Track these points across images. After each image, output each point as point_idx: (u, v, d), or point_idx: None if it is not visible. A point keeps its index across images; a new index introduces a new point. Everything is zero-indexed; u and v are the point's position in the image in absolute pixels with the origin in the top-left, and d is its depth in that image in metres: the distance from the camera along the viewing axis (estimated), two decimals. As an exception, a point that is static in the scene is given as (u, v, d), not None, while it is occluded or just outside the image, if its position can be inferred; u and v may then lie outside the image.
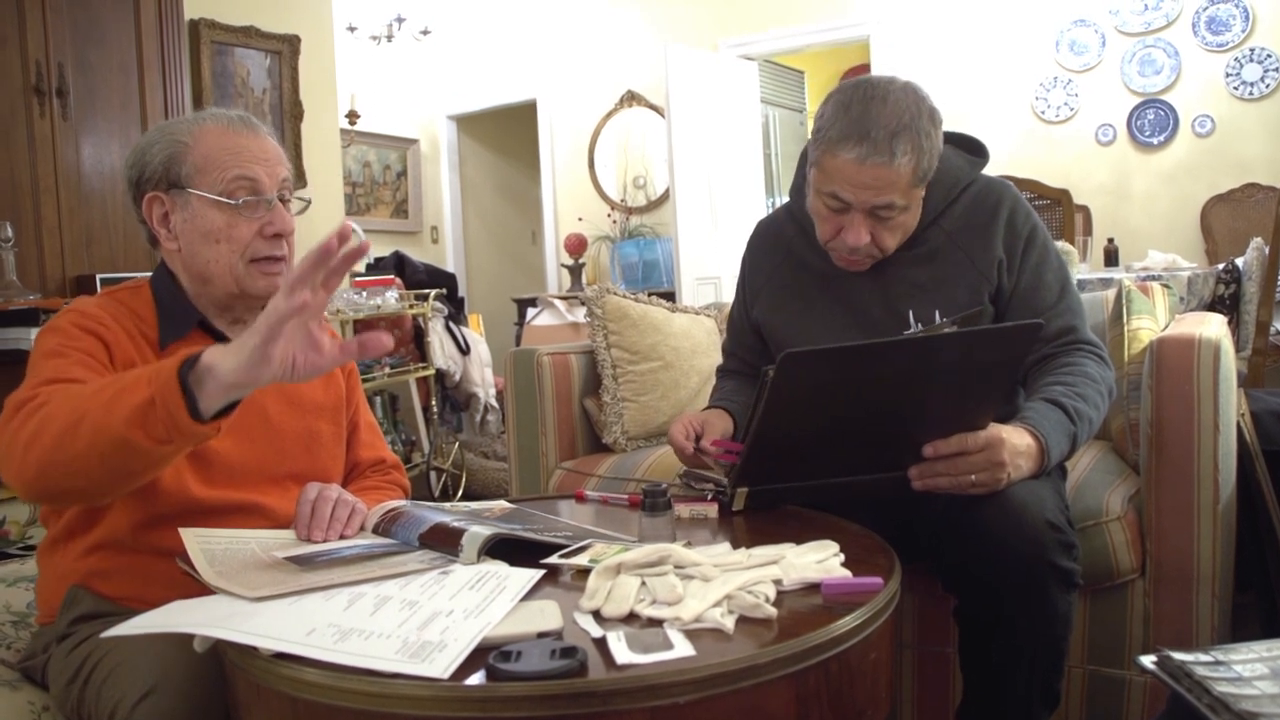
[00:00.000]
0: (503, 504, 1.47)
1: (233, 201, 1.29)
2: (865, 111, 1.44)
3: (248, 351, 1.00)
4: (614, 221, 6.84)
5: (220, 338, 1.36)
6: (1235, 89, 5.05)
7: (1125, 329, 1.93)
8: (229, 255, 1.29)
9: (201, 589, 1.08)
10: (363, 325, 4.02)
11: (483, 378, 4.64)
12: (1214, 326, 1.70)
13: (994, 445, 1.29)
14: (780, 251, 1.74)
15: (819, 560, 1.10)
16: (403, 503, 1.35)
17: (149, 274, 1.39)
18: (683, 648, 0.88)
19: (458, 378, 4.51)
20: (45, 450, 1.06)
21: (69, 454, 1.05)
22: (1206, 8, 5.08)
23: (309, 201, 1.40)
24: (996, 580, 1.31)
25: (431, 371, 4.20)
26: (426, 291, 4.26)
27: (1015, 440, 1.32)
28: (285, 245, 1.34)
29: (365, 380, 3.58)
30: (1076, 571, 1.35)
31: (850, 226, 1.50)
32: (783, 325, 1.71)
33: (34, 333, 2.50)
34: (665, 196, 6.33)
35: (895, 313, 1.58)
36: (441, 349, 4.36)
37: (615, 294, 2.46)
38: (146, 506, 1.24)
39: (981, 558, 1.29)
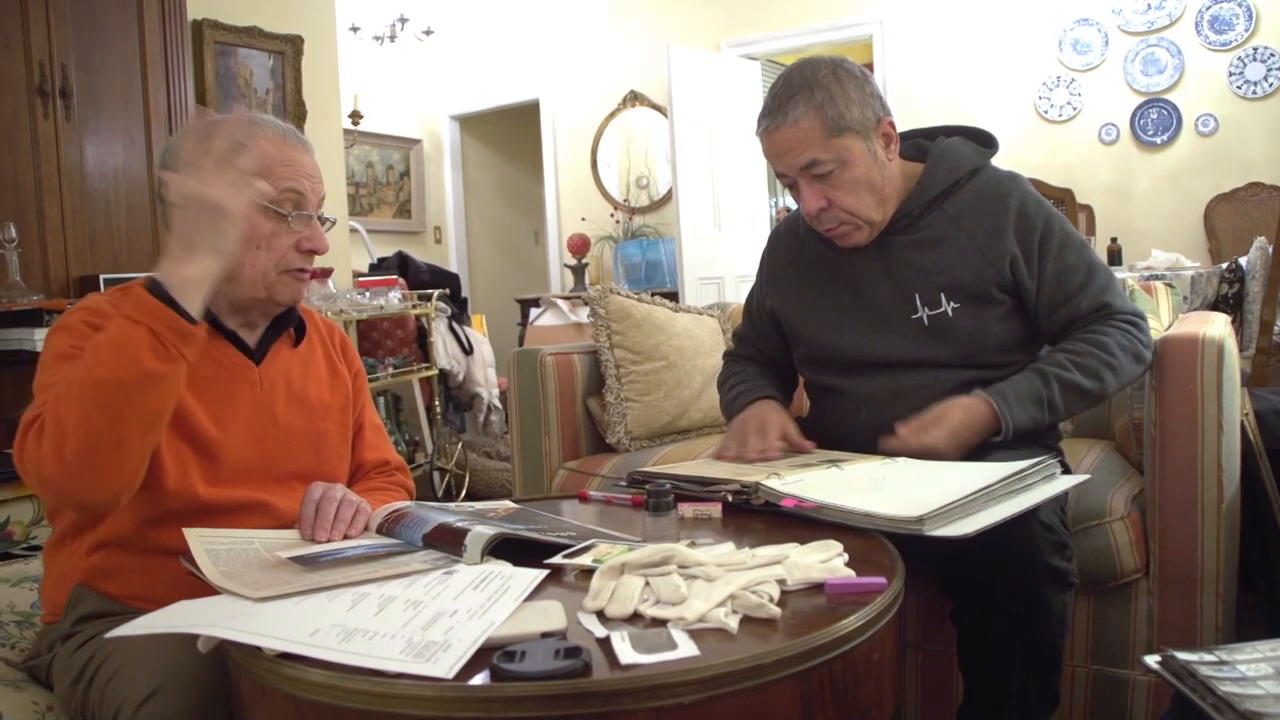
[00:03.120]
0: (507, 504, 1.47)
1: (284, 212, 1.31)
2: (771, 91, 1.59)
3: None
4: (617, 221, 6.84)
5: (232, 337, 1.36)
6: (1238, 88, 5.04)
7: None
8: (265, 262, 1.31)
9: (206, 588, 1.08)
10: (366, 325, 4.02)
11: (486, 378, 4.64)
12: (1218, 326, 1.70)
13: (947, 409, 1.48)
14: (797, 244, 1.79)
15: (823, 560, 1.09)
16: (407, 503, 1.36)
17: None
18: (687, 648, 0.88)
19: (461, 378, 4.51)
20: (82, 437, 1.08)
21: (107, 429, 1.09)
22: (1209, 7, 5.07)
23: (334, 220, 1.42)
24: (990, 581, 1.32)
25: (435, 372, 4.20)
26: (430, 292, 4.26)
27: (965, 401, 1.50)
28: (312, 260, 1.37)
29: (369, 381, 3.58)
30: (1071, 571, 1.35)
31: (802, 196, 1.59)
32: (796, 309, 1.76)
33: (38, 333, 2.50)
34: (668, 196, 6.33)
35: (901, 296, 1.63)
36: (445, 349, 4.36)
37: (618, 294, 2.46)
38: (152, 504, 1.24)
39: (974, 558, 1.30)
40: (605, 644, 0.90)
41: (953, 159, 1.65)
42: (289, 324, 1.44)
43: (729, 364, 1.93)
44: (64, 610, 1.27)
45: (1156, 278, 3.46)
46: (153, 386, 1.11)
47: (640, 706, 0.82)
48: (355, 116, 6.25)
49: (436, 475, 4.18)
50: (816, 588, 1.04)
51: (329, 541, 1.24)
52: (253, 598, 1.02)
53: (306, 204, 1.34)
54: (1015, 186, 1.63)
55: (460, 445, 4.41)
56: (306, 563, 1.14)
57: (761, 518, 1.35)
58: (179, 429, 1.27)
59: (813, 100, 1.53)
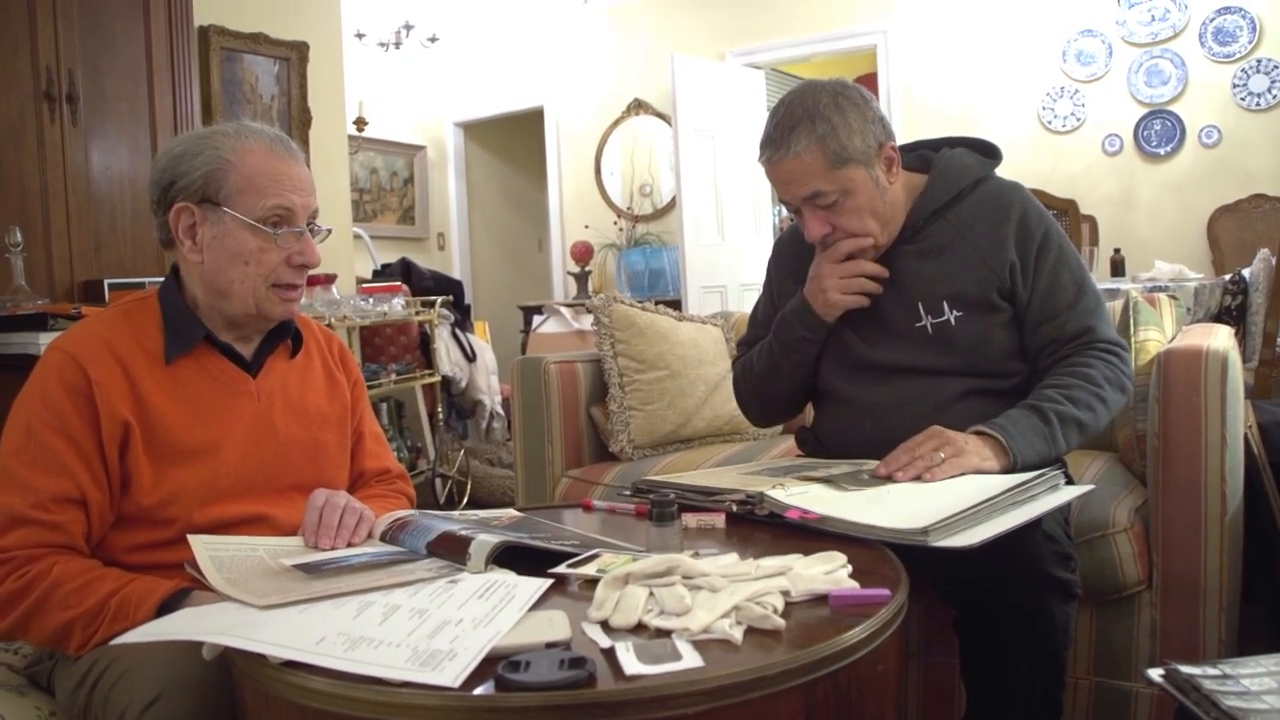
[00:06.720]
0: (511, 512, 1.47)
1: (270, 230, 1.29)
2: (773, 119, 1.58)
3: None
4: (620, 229, 6.84)
5: (227, 350, 1.36)
6: (1242, 100, 5.05)
7: (1132, 340, 1.93)
8: (254, 278, 1.30)
9: (210, 596, 1.08)
10: (369, 331, 4.03)
11: (489, 385, 4.65)
12: (1221, 338, 1.70)
13: (931, 432, 1.42)
14: (803, 251, 1.78)
15: (827, 571, 1.09)
16: (410, 511, 1.36)
17: (160, 280, 1.39)
18: (691, 659, 0.88)
19: (464, 385, 4.52)
20: (21, 629, 1.20)
21: (37, 638, 1.21)
22: (1213, 19, 5.08)
23: (329, 230, 1.41)
24: (994, 592, 1.32)
25: (437, 378, 4.20)
26: (433, 298, 4.27)
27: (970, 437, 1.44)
28: (304, 274, 1.36)
29: (372, 387, 3.59)
30: (1074, 583, 1.35)
31: (806, 223, 1.60)
32: None
33: (43, 338, 2.50)
34: (672, 204, 6.34)
35: (905, 304, 1.63)
36: (448, 356, 4.36)
37: (622, 302, 2.46)
38: (149, 534, 1.25)
39: (979, 569, 1.29)
40: (610, 654, 0.90)
41: (956, 169, 1.65)
42: (285, 335, 1.43)
43: (738, 359, 1.91)
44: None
45: (1160, 289, 3.46)
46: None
47: (645, 717, 0.82)
48: (360, 123, 6.27)
49: (439, 482, 4.18)
50: (821, 599, 1.04)
51: (333, 549, 1.24)
52: (258, 605, 1.02)
53: (295, 219, 1.31)
54: (1018, 196, 1.64)
55: (463, 452, 4.41)
56: (311, 570, 1.14)
57: (766, 528, 1.34)
58: (172, 455, 1.27)
59: (814, 133, 1.52)
